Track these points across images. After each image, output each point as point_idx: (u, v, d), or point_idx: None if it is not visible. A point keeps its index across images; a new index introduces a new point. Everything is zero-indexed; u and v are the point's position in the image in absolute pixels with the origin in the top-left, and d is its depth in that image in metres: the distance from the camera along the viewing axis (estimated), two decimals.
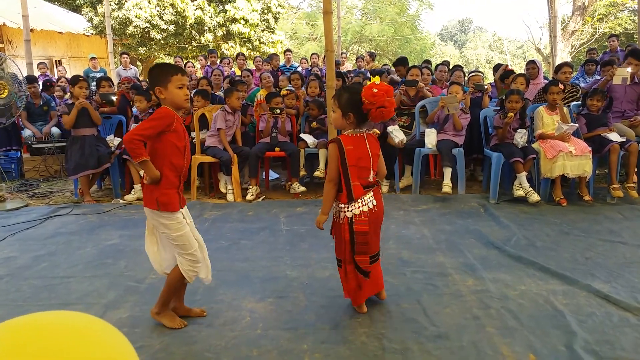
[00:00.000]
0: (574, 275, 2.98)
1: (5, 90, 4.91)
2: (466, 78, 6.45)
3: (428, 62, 8.68)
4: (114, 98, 6.01)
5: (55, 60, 14.11)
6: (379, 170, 2.55)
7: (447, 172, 4.94)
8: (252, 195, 5.07)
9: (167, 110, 2.33)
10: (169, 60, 19.60)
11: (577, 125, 4.80)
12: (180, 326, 2.47)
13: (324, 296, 2.79)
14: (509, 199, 4.75)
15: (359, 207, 2.44)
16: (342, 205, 2.47)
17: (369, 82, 2.40)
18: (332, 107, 2.50)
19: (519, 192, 4.65)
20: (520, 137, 4.72)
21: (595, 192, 4.82)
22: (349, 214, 2.44)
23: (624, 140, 4.75)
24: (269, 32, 16.84)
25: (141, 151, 2.27)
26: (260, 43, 16.49)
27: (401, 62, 7.08)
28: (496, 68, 6.94)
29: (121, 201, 5.07)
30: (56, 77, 9.62)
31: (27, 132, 6.50)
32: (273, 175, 6.17)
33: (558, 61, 8.32)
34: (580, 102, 5.36)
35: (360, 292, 2.56)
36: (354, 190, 2.43)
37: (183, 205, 2.44)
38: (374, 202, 2.48)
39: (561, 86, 4.85)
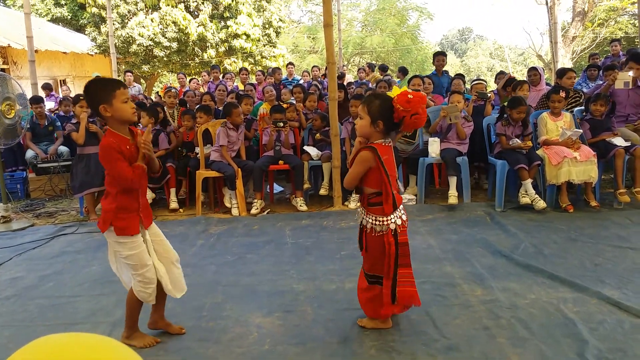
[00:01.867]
0: (584, 282, 2.94)
1: (13, 111, 4.95)
2: (469, 86, 6.47)
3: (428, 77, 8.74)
4: None
5: (60, 80, 14.26)
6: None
7: (453, 181, 4.92)
8: (257, 209, 5.07)
9: (108, 140, 2.22)
10: (173, 77, 19.76)
11: (581, 131, 4.78)
12: (152, 344, 2.44)
13: (331, 309, 2.77)
14: (515, 207, 4.72)
15: (399, 215, 2.39)
16: (384, 218, 2.36)
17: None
18: (360, 113, 2.40)
19: (524, 200, 4.62)
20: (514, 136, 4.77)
21: (601, 198, 4.78)
22: (392, 225, 2.35)
23: (629, 144, 4.72)
24: (270, 46, 16.95)
25: (135, 172, 2.23)
26: (263, 57, 16.60)
27: (441, 53, 7.18)
28: (498, 76, 6.94)
29: None
30: (61, 96, 9.74)
31: (29, 153, 6.52)
32: (277, 188, 6.17)
33: (560, 67, 8.31)
34: (583, 108, 5.35)
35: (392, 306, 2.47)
36: (397, 199, 2.38)
37: (147, 225, 2.39)
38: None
39: (562, 94, 4.83)
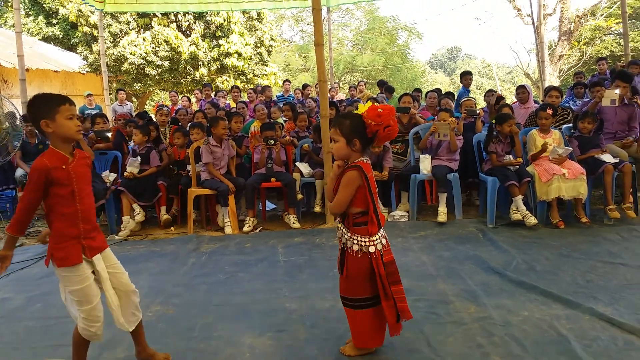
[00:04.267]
0: (576, 299, 2.95)
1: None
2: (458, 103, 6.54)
3: (418, 90, 8.84)
4: (109, 134, 6.05)
5: None
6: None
7: (442, 198, 4.94)
8: (249, 226, 5.05)
9: (37, 164, 2.06)
10: (164, 95, 19.78)
11: (571, 149, 4.83)
12: None
13: (324, 328, 2.75)
14: (506, 223, 4.74)
15: (383, 235, 2.34)
16: (369, 239, 2.29)
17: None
18: (333, 136, 2.34)
19: (516, 216, 4.65)
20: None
21: (592, 214, 4.81)
22: (379, 246, 2.29)
23: (617, 161, 4.78)
24: (262, 64, 17.08)
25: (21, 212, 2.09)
26: (254, 75, 16.71)
27: (468, 73, 8.27)
28: (487, 93, 7.04)
29: (116, 237, 5.02)
30: None
31: (19, 172, 6.46)
32: (270, 205, 6.15)
33: (547, 85, 8.47)
34: (571, 125, 5.43)
35: (382, 332, 2.44)
36: (381, 218, 2.32)
37: (94, 253, 2.17)
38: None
39: (550, 111, 4.90)
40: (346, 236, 2.34)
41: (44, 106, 2.09)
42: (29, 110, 2.18)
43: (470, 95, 7.36)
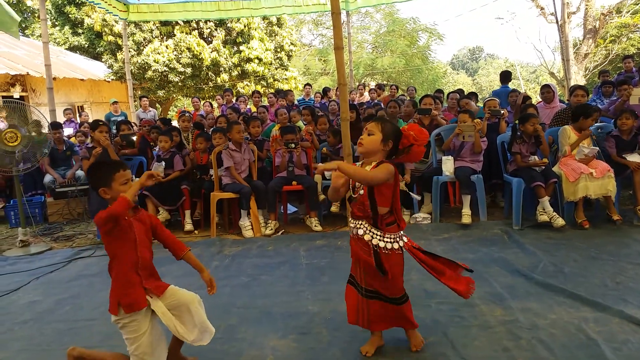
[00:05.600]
0: (605, 301, 2.87)
1: (18, 139, 4.99)
2: (482, 104, 6.47)
3: (440, 91, 8.77)
4: (134, 138, 6.18)
5: (78, 106, 14.57)
6: None
7: (466, 200, 4.87)
8: (271, 229, 5.07)
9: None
10: (187, 101, 20.06)
11: (597, 148, 4.71)
12: None
13: (347, 331, 2.73)
14: (532, 225, 4.65)
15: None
16: (395, 235, 2.37)
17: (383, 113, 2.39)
18: (372, 129, 2.37)
19: (542, 217, 4.55)
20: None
21: (621, 215, 4.68)
22: (405, 239, 2.41)
23: None
24: (282, 69, 17.20)
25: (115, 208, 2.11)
26: (275, 80, 16.83)
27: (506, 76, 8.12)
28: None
29: None
30: (78, 122, 9.93)
31: (47, 178, 6.64)
32: (291, 208, 6.17)
33: (572, 84, 8.30)
34: (598, 124, 5.30)
35: None
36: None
37: (158, 293, 2.27)
38: None
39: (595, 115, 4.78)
40: (378, 239, 2.36)
41: (100, 176, 2.25)
42: (89, 177, 2.36)
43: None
